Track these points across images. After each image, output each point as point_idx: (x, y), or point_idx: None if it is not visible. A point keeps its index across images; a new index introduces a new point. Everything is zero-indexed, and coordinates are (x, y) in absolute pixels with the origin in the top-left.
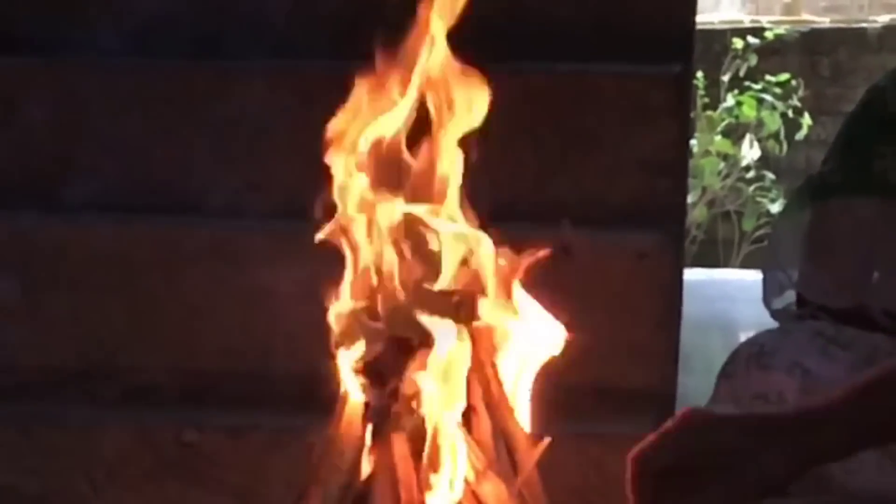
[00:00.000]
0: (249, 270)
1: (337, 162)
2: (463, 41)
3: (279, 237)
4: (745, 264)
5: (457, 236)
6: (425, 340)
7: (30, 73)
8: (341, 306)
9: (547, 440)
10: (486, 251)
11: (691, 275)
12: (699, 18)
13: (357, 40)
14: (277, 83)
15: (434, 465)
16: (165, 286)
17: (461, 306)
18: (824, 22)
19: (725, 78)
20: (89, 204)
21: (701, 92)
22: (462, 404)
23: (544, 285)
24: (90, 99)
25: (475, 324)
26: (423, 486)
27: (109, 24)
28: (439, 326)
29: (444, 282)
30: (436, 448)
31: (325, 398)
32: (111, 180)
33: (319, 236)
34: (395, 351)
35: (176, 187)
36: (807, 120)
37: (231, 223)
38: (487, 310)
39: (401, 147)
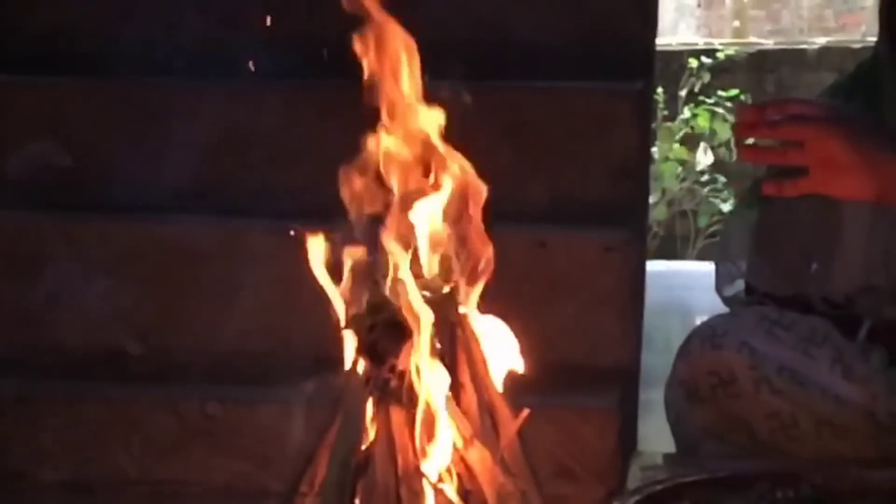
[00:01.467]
0: (265, 264)
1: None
2: (451, 61)
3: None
4: (700, 257)
5: None
6: (417, 325)
7: (74, 90)
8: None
9: (526, 412)
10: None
11: (653, 266)
12: (659, 41)
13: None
14: (292, 99)
15: (427, 434)
16: (192, 278)
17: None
18: (769, 44)
19: (682, 93)
20: (124, 205)
21: (661, 105)
22: (447, 380)
23: (524, 275)
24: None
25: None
26: (418, 452)
27: (148, 48)
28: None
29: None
30: (429, 419)
31: (332, 375)
32: (142, 184)
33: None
34: (392, 334)
35: (200, 191)
36: None
37: (249, 222)
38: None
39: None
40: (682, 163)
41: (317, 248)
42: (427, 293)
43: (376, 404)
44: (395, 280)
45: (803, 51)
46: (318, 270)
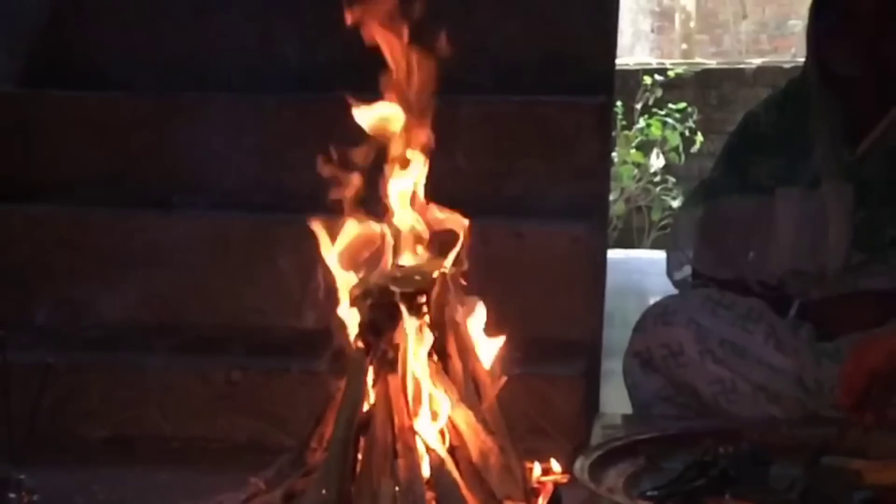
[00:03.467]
0: (281, 252)
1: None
2: (439, 78)
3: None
4: (653, 246)
5: None
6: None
7: (141, 107)
8: (350, 280)
9: (504, 379)
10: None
11: (613, 254)
12: (617, 61)
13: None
14: (303, 111)
15: (419, 398)
16: (218, 263)
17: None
18: (712, 63)
19: (638, 106)
20: (159, 202)
21: (619, 116)
22: (429, 347)
23: (503, 262)
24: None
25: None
26: (412, 413)
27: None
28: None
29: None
30: (420, 385)
31: (338, 348)
32: (174, 183)
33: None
34: (389, 313)
35: (225, 189)
36: (699, 137)
37: (268, 216)
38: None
39: None
40: (638, 165)
41: (327, 238)
42: (419, 277)
43: (376, 372)
44: (393, 266)
45: (742, 70)
46: (327, 258)
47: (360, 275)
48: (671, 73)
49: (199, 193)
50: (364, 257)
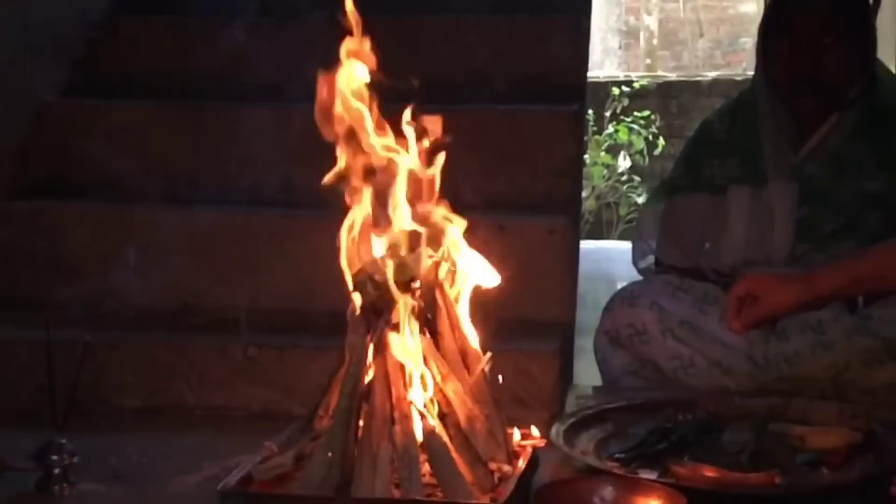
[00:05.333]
0: (294, 241)
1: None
2: (428, 89)
3: (315, 218)
4: (621, 237)
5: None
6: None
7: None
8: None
9: (489, 354)
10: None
11: (585, 245)
12: (589, 74)
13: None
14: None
15: (413, 372)
16: (238, 251)
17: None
18: (673, 76)
19: (607, 114)
20: (186, 199)
21: (591, 123)
22: (422, 326)
23: (488, 251)
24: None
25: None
26: (407, 385)
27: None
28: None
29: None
30: (414, 361)
31: (343, 326)
32: (199, 183)
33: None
34: (387, 296)
35: (242, 186)
36: (661, 142)
37: (281, 211)
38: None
39: None
40: (607, 166)
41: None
42: (413, 265)
43: (375, 349)
44: (391, 255)
45: (699, 82)
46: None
47: (363, 263)
48: (636, 85)
49: (219, 190)
50: (367, 248)
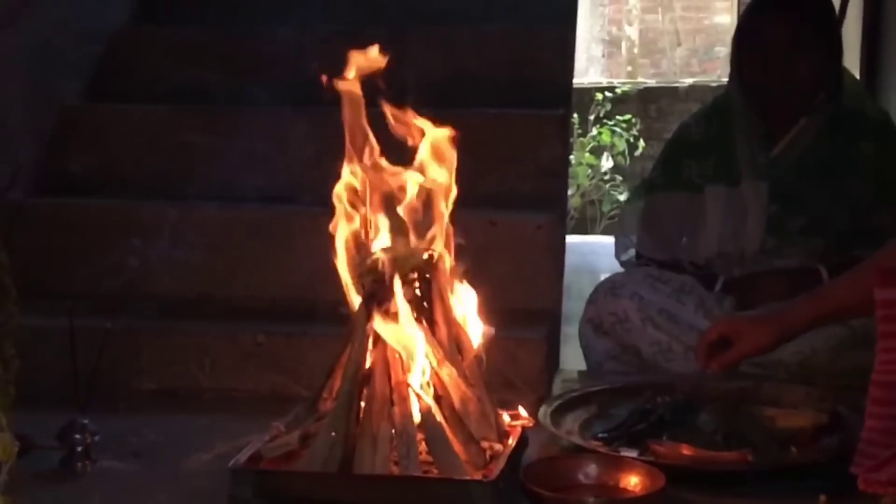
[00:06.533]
0: (300, 236)
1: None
2: (422, 94)
3: (320, 215)
4: (604, 232)
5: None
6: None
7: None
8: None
9: (481, 341)
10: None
11: (570, 239)
12: (575, 80)
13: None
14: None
15: (411, 357)
16: (248, 246)
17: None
18: (652, 83)
19: (591, 117)
20: (200, 196)
21: (576, 126)
22: (419, 315)
23: (480, 245)
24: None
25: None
26: (405, 370)
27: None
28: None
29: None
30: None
31: (345, 315)
32: (212, 180)
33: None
34: (386, 287)
35: (251, 185)
36: (641, 143)
37: (288, 208)
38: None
39: None
40: (591, 166)
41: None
42: (411, 258)
43: (375, 336)
44: (390, 248)
45: (676, 88)
46: (338, 243)
47: (365, 257)
48: (618, 91)
49: (231, 189)
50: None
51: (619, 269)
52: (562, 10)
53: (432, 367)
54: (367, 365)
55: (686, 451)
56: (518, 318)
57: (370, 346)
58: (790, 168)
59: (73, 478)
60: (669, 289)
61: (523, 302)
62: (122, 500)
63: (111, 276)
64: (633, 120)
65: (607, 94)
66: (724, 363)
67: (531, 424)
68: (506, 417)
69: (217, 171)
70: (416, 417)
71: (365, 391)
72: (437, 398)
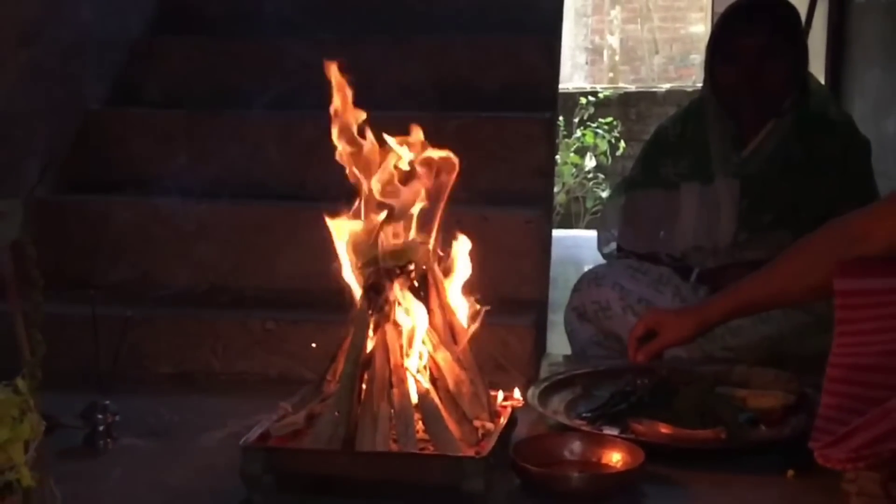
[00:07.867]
0: (306, 230)
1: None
2: (418, 99)
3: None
4: (587, 227)
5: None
6: (402, 271)
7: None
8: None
9: (473, 328)
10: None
11: (556, 233)
12: (560, 86)
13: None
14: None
15: (409, 343)
16: (256, 240)
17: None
18: (632, 88)
19: (575, 120)
20: (213, 193)
21: (562, 128)
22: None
23: (473, 239)
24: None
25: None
26: (404, 354)
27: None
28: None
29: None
30: (410, 333)
31: (347, 304)
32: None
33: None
34: (385, 277)
35: (261, 182)
36: (622, 144)
37: (295, 204)
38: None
39: None
40: (576, 165)
41: (339, 222)
42: (408, 250)
43: (375, 323)
44: (389, 241)
45: (654, 92)
46: (339, 237)
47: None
48: (601, 95)
49: (242, 187)
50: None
51: (601, 260)
52: (548, 21)
53: (429, 352)
54: (368, 350)
55: (664, 429)
56: (508, 307)
57: (371, 331)
58: (760, 166)
59: (96, 454)
60: (648, 279)
61: (513, 291)
62: (141, 475)
63: (130, 268)
64: (615, 122)
65: (590, 98)
66: (648, 352)
67: (520, 405)
68: (497, 398)
69: (228, 170)
70: (414, 398)
71: (366, 374)
72: (433, 380)
